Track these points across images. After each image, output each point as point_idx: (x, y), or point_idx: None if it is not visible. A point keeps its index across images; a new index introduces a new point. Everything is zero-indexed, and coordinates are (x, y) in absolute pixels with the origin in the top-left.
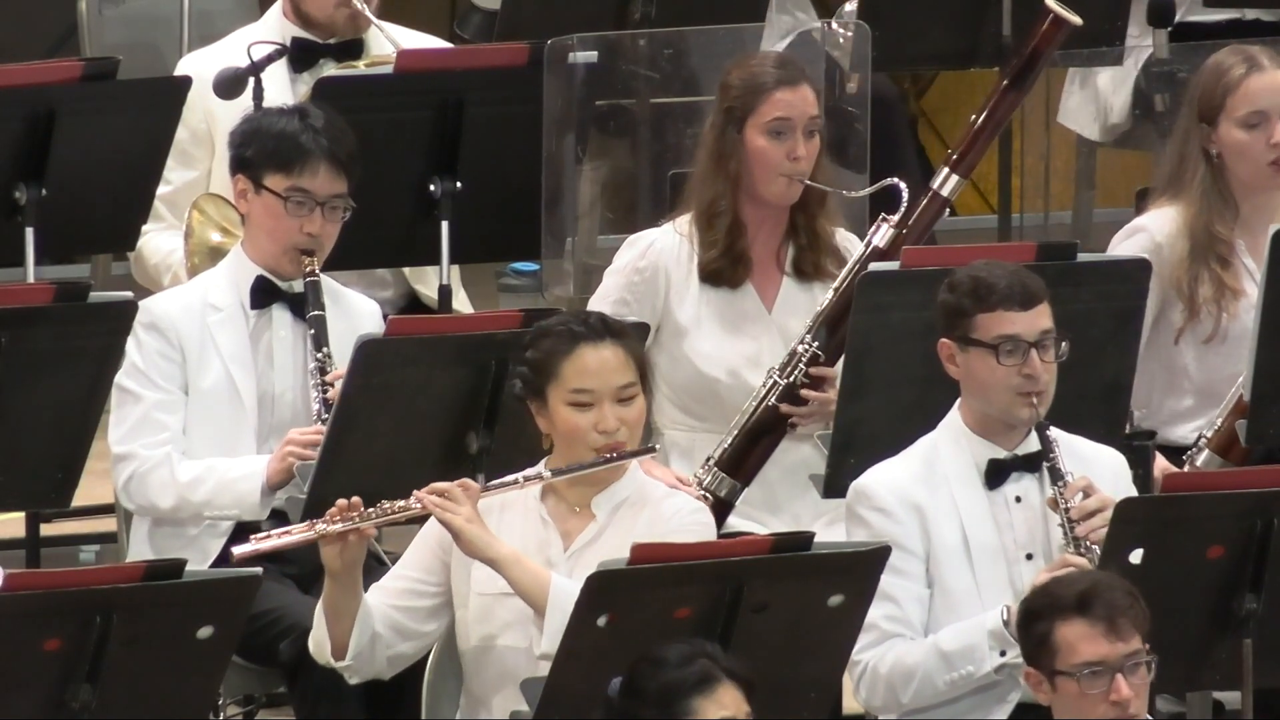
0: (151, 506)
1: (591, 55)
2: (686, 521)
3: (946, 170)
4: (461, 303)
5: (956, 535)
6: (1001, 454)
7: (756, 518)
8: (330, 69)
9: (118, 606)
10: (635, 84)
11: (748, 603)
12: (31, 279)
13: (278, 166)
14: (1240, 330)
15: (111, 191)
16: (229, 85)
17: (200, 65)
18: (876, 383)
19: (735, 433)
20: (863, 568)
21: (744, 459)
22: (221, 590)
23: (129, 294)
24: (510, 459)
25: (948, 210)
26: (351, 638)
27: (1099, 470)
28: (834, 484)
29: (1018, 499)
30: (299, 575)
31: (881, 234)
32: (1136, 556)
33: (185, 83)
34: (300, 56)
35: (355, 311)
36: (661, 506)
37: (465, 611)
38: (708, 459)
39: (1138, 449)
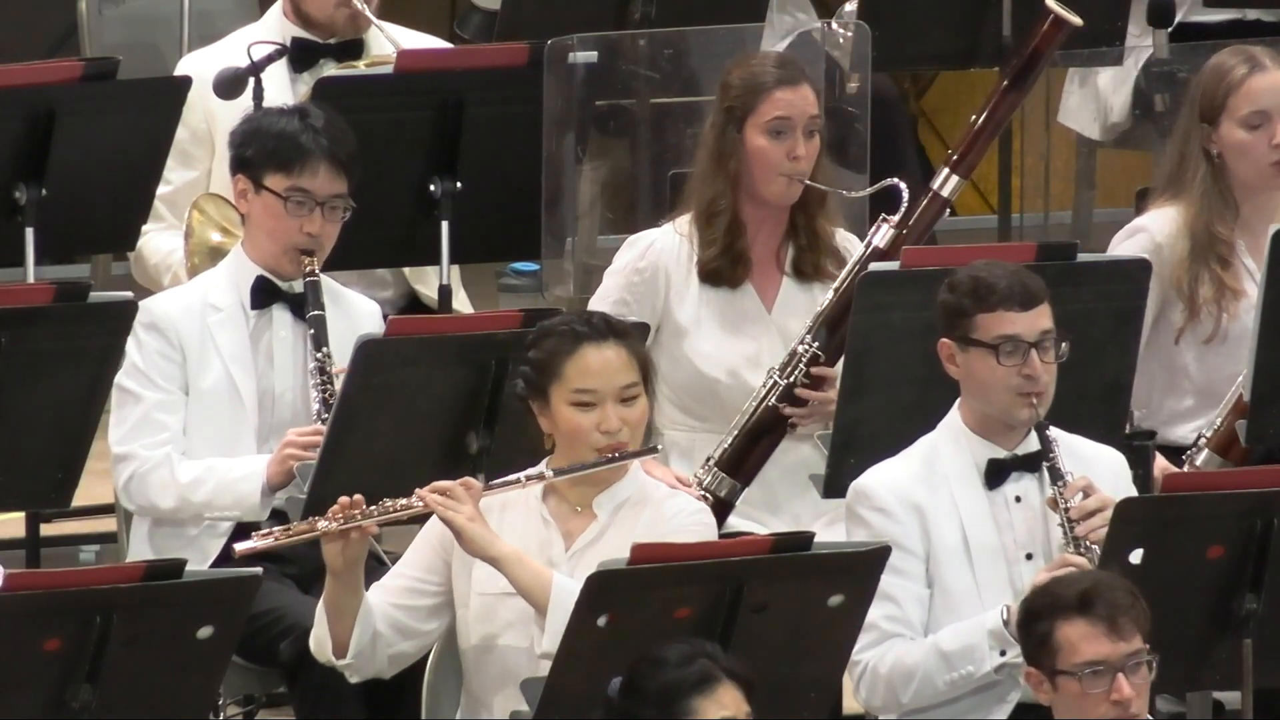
0: (152, 507)
1: (591, 55)
2: (688, 522)
3: (946, 170)
4: (461, 303)
5: (956, 535)
6: (1001, 454)
7: (756, 518)
8: (330, 69)
9: (118, 606)
10: (635, 84)
11: (748, 603)
12: (31, 279)
13: (278, 166)
14: (1240, 330)
15: (111, 191)
16: (229, 85)
17: (200, 65)
18: (876, 383)
19: (735, 433)
20: (863, 568)
21: (744, 459)
22: (221, 590)
23: (129, 294)
24: (510, 459)
25: (948, 210)
26: (352, 636)
27: (1099, 470)
28: (834, 484)
29: (1017, 499)
30: (299, 575)
31: (881, 234)
32: (1136, 556)
33: (185, 83)
34: (300, 56)
35: (355, 311)
36: (663, 507)
37: (466, 611)
38: (708, 459)
39: (1138, 449)
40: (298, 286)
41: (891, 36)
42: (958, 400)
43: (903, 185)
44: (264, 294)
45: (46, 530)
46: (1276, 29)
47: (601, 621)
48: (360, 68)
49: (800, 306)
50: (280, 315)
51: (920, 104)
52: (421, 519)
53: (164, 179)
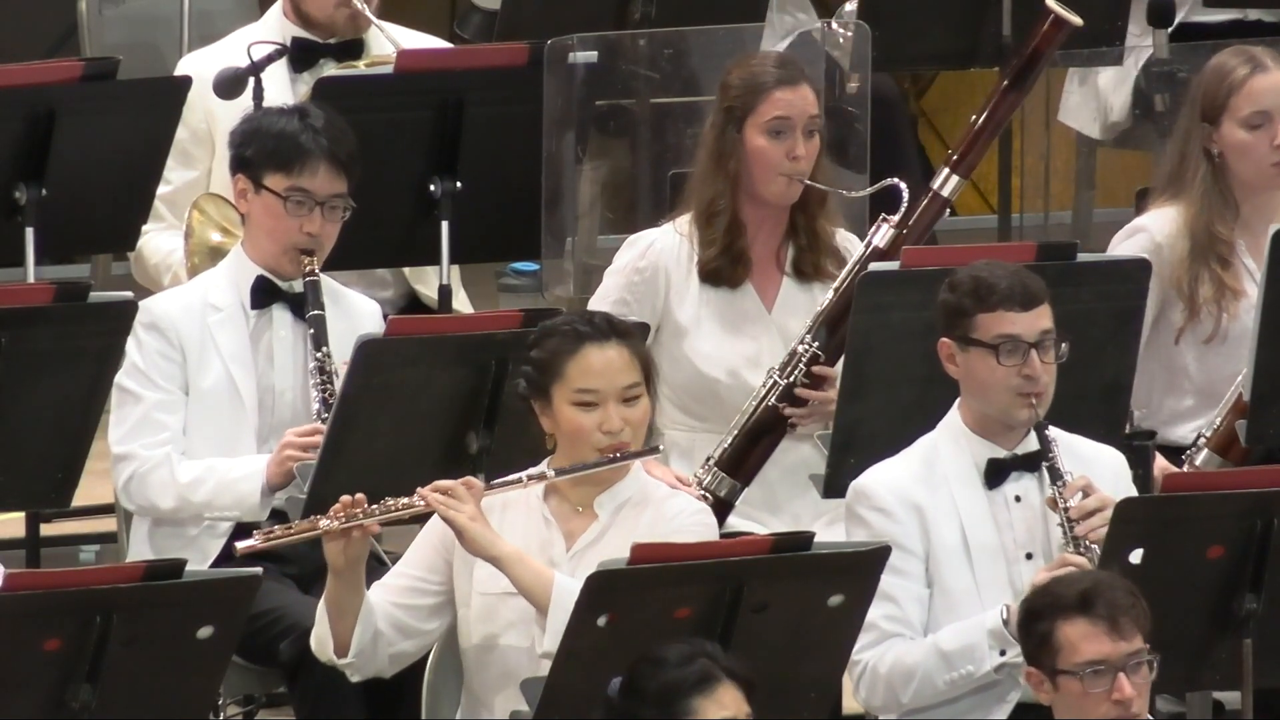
0: (151, 507)
1: (591, 55)
2: (689, 522)
3: (946, 170)
4: (461, 303)
5: (956, 535)
6: (1001, 453)
7: (756, 518)
8: (330, 69)
9: (118, 606)
10: (635, 84)
11: (748, 603)
12: (31, 279)
13: (277, 166)
14: (1240, 330)
15: (111, 191)
16: (229, 85)
17: (200, 65)
18: (876, 383)
19: (735, 433)
20: (863, 568)
21: (744, 459)
22: (221, 590)
23: (129, 294)
24: (510, 459)
25: (948, 210)
26: (354, 635)
27: (1099, 470)
28: (834, 484)
29: (1017, 498)
30: (299, 575)
31: (881, 234)
32: (1136, 556)
33: (185, 83)
34: (300, 56)
35: (355, 311)
36: (664, 507)
37: (467, 610)
38: (708, 459)
39: (1138, 449)
40: (298, 286)
41: (891, 36)
42: (957, 400)
43: (903, 185)
44: (264, 294)
45: (46, 530)
46: (1277, 29)
47: (601, 621)
48: (360, 68)
49: (800, 306)
50: (280, 315)
51: (920, 104)
52: (422, 518)
53: (164, 179)
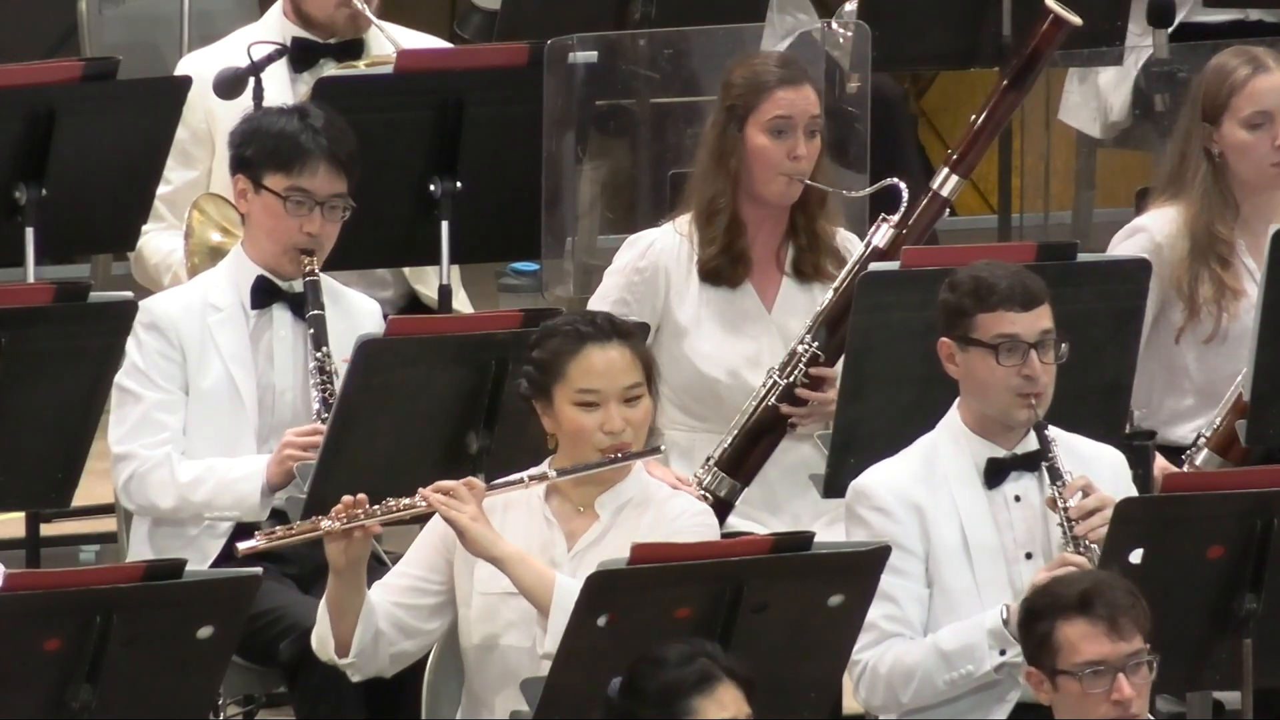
0: (151, 506)
1: (591, 55)
2: (691, 523)
3: (946, 170)
4: (461, 303)
5: (956, 535)
6: (1001, 453)
7: (756, 518)
8: (330, 69)
9: (118, 606)
10: (635, 84)
11: (748, 603)
12: (31, 279)
13: (277, 166)
14: (1240, 330)
15: (111, 191)
16: (229, 85)
17: (200, 65)
18: (876, 383)
19: (735, 433)
20: (863, 568)
21: (744, 459)
22: (221, 590)
23: (129, 294)
24: (510, 459)
25: (948, 210)
26: (355, 635)
27: (1098, 469)
28: (834, 484)
29: (1017, 498)
30: (299, 575)
31: (881, 234)
32: (1136, 556)
33: (185, 83)
34: (300, 56)
35: (356, 311)
36: (666, 508)
37: (468, 610)
38: (708, 459)
39: (1138, 449)
40: (298, 286)
41: (891, 36)
42: (957, 400)
43: (902, 185)
44: (264, 294)
45: (46, 530)
46: (1278, 29)
47: (601, 621)
48: (360, 68)
49: (800, 306)
50: (280, 315)
51: (920, 104)
52: (423, 518)
53: (164, 179)
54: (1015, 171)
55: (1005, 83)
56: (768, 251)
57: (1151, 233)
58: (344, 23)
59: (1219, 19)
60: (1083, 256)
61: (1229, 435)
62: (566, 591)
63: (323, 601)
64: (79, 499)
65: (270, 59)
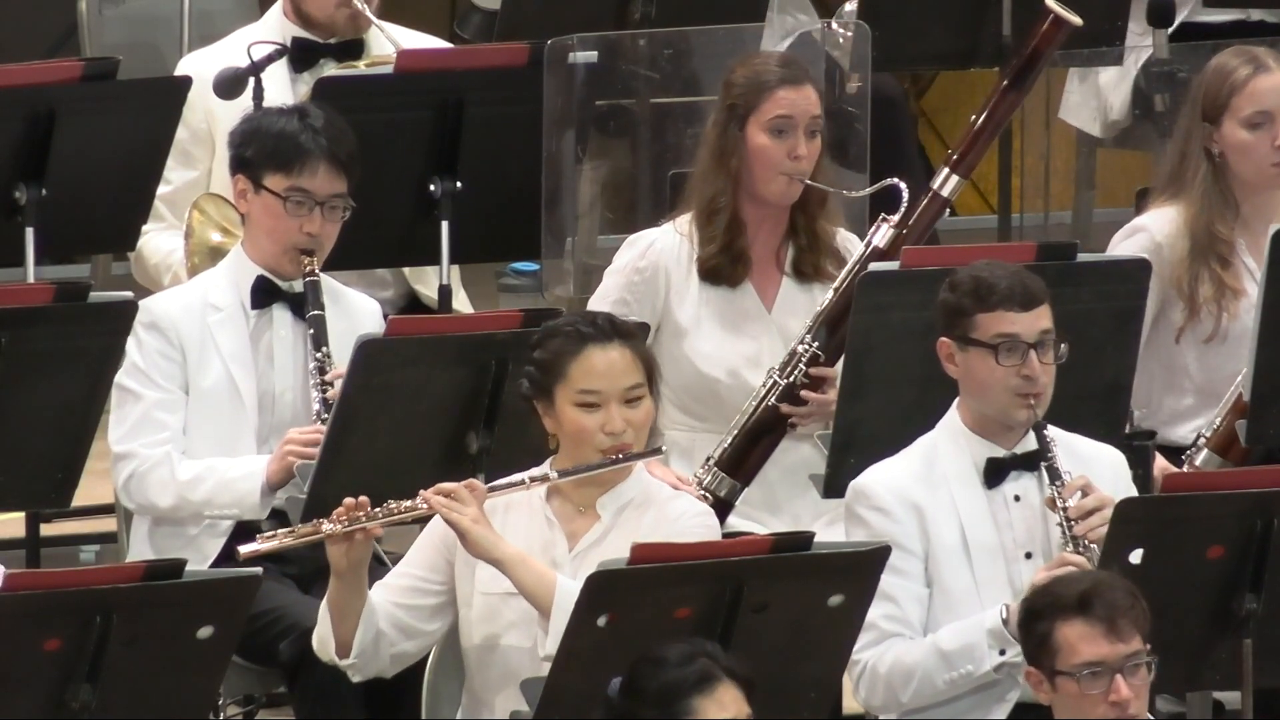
0: (151, 505)
1: (591, 55)
2: (692, 524)
3: (946, 170)
4: (461, 303)
5: (955, 534)
6: (1000, 453)
7: (756, 518)
8: (330, 69)
9: (118, 606)
10: (635, 84)
11: (748, 603)
12: (31, 279)
13: (277, 166)
14: (1240, 330)
15: (111, 191)
16: (229, 85)
17: (200, 65)
18: (876, 383)
19: (735, 433)
20: (863, 568)
21: (744, 459)
22: (221, 590)
23: (129, 294)
24: (510, 459)
25: (948, 210)
26: (356, 636)
27: (1098, 469)
28: (834, 484)
29: (1016, 498)
30: (299, 575)
31: (882, 234)
32: (1136, 556)
33: (185, 83)
34: (300, 56)
35: (356, 311)
36: (667, 508)
37: (469, 610)
38: (708, 459)
39: (1138, 449)
40: (298, 286)
41: (891, 36)
42: (956, 400)
43: (902, 185)
44: (264, 294)
45: (46, 530)
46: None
47: (601, 621)
48: (360, 68)
49: (800, 306)
50: (280, 315)
51: (920, 104)
52: (424, 520)
53: (164, 179)
54: (1015, 171)
55: (1005, 83)
56: (768, 251)
57: (1151, 232)
58: (344, 23)
59: (1220, 19)
60: (1083, 256)
61: (1229, 435)
62: (567, 593)
63: (324, 602)
64: (79, 499)
65: (270, 59)
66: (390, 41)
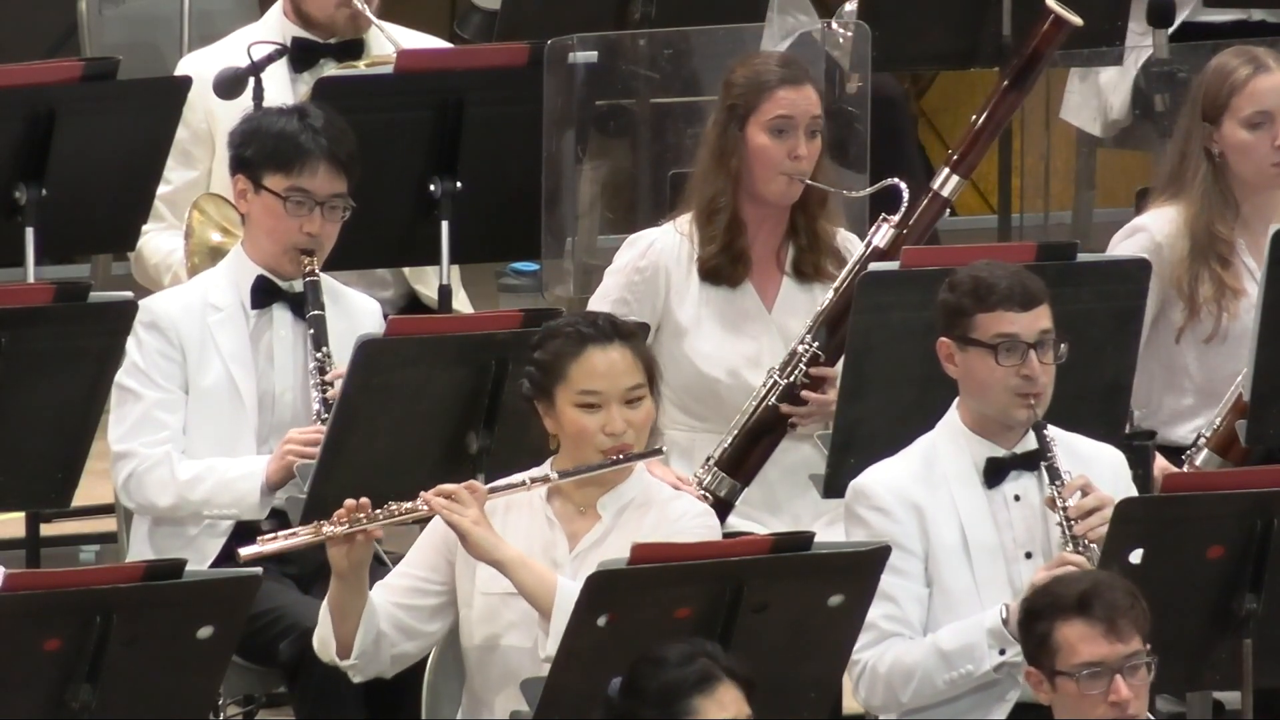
0: (150, 505)
1: (591, 55)
2: (693, 524)
3: (947, 170)
4: (461, 303)
5: (955, 534)
6: (1000, 453)
7: (756, 518)
8: (330, 69)
9: (118, 606)
10: (635, 84)
11: (748, 603)
12: (31, 279)
13: (277, 166)
14: (1241, 330)
15: (111, 191)
16: (229, 85)
17: (200, 65)
18: (876, 383)
19: (735, 433)
20: (863, 568)
21: (744, 459)
22: (221, 590)
23: (129, 294)
24: (510, 459)
25: (948, 210)
26: (357, 637)
27: (1098, 469)
28: (834, 484)
29: (1016, 498)
30: (299, 575)
31: (882, 234)
32: (1136, 556)
33: (185, 83)
34: (300, 56)
35: (356, 310)
36: (668, 509)
37: (470, 611)
38: (708, 459)
39: (1138, 449)
40: (298, 286)
41: (891, 36)
42: (956, 400)
43: (903, 185)
44: (264, 294)
45: (46, 530)
46: None
47: (601, 621)
48: (360, 68)
49: (800, 306)
50: (280, 315)
51: (920, 104)
52: (425, 521)
53: (164, 179)
54: (1015, 171)
55: (1006, 83)
56: (768, 251)
57: (1151, 232)
58: (344, 23)
59: (1222, 19)
60: (1083, 256)
61: (1229, 435)
62: (569, 595)
63: (324, 603)
64: (79, 499)
65: (270, 59)
66: (390, 41)
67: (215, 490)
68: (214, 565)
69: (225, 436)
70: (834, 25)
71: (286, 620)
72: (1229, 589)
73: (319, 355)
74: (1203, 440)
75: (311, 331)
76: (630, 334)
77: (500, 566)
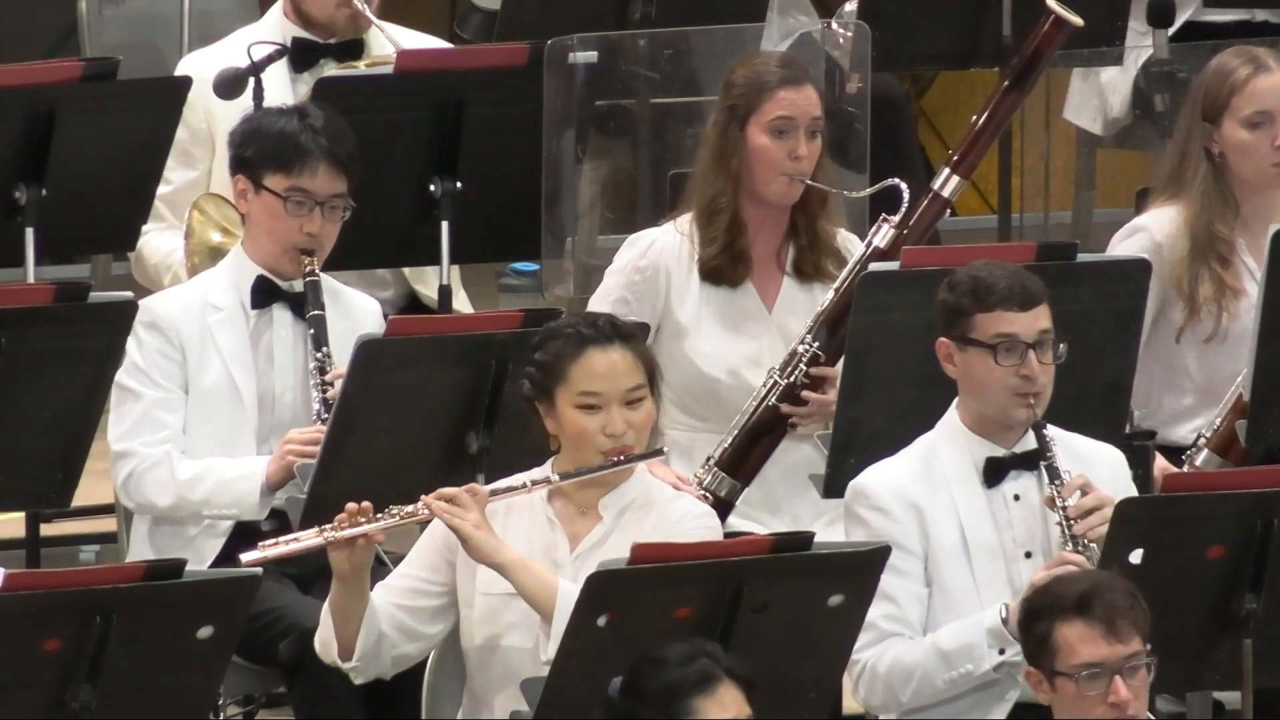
0: (150, 505)
1: (591, 55)
2: (694, 525)
3: (947, 171)
4: (461, 303)
5: (955, 534)
6: (999, 452)
7: (756, 518)
8: (330, 69)
9: (118, 606)
10: (635, 84)
11: (748, 603)
12: (31, 279)
13: (277, 166)
14: (1241, 330)
15: (111, 191)
16: (229, 85)
17: (200, 65)
18: (876, 383)
19: (735, 433)
20: (863, 568)
21: (744, 459)
22: (221, 590)
23: (129, 294)
24: (510, 459)
25: (948, 210)
26: (358, 639)
27: (1098, 468)
28: (834, 484)
29: (1016, 497)
30: (298, 575)
31: (882, 234)
32: (1136, 556)
33: (185, 83)
34: (300, 56)
35: (356, 310)
36: (669, 509)
37: (470, 611)
38: (708, 459)
39: (1138, 449)
40: (298, 286)
41: (891, 36)
42: (956, 400)
43: (903, 185)
44: (264, 294)
45: (46, 530)
46: None
47: (601, 621)
48: (360, 68)
49: (801, 306)
50: (280, 315)
51: (920, 104)
52: (426, 523)
53: (164, 179)
54: (1015, 171)
55: (1006, 83)
56: (768, 251)
57: (1151, 232)
58: (344, 23)
59: (1224, 19)
60: (1083, 257)
61: (1229, 435)
62: (570, 597)
63: (326, 605)
64: (79, 499)
65: (270, 59)
66: (390, 41)
67: (215, 490)
68: (214, 565)
69: (225, 436)
70: (834, 25)
71: (286, 620)
72: (1229, 589)
73: (319, 355)
74: (1203, 440)
75: (311, 331)
76: (630, 335)
77: (501, 570)
